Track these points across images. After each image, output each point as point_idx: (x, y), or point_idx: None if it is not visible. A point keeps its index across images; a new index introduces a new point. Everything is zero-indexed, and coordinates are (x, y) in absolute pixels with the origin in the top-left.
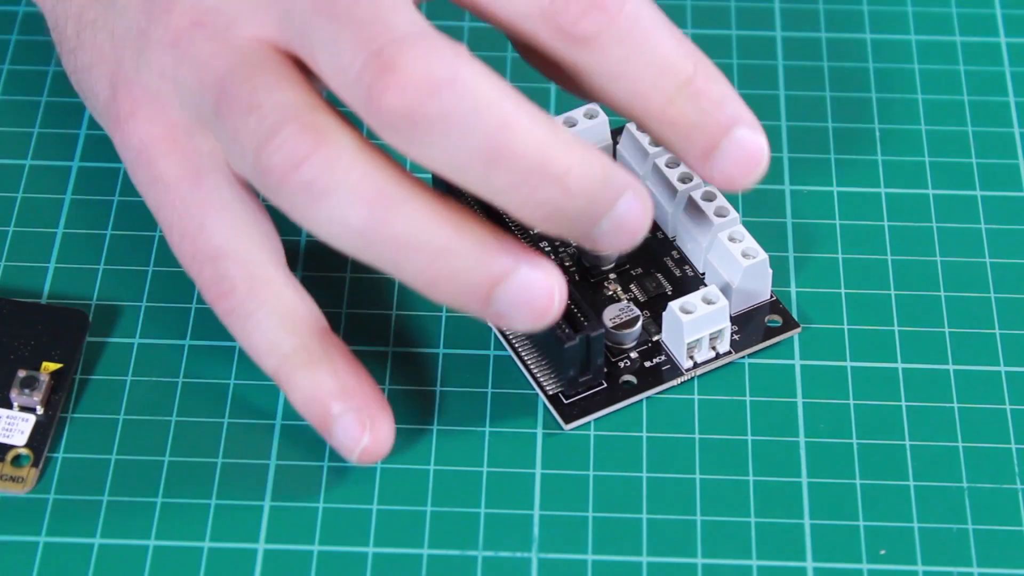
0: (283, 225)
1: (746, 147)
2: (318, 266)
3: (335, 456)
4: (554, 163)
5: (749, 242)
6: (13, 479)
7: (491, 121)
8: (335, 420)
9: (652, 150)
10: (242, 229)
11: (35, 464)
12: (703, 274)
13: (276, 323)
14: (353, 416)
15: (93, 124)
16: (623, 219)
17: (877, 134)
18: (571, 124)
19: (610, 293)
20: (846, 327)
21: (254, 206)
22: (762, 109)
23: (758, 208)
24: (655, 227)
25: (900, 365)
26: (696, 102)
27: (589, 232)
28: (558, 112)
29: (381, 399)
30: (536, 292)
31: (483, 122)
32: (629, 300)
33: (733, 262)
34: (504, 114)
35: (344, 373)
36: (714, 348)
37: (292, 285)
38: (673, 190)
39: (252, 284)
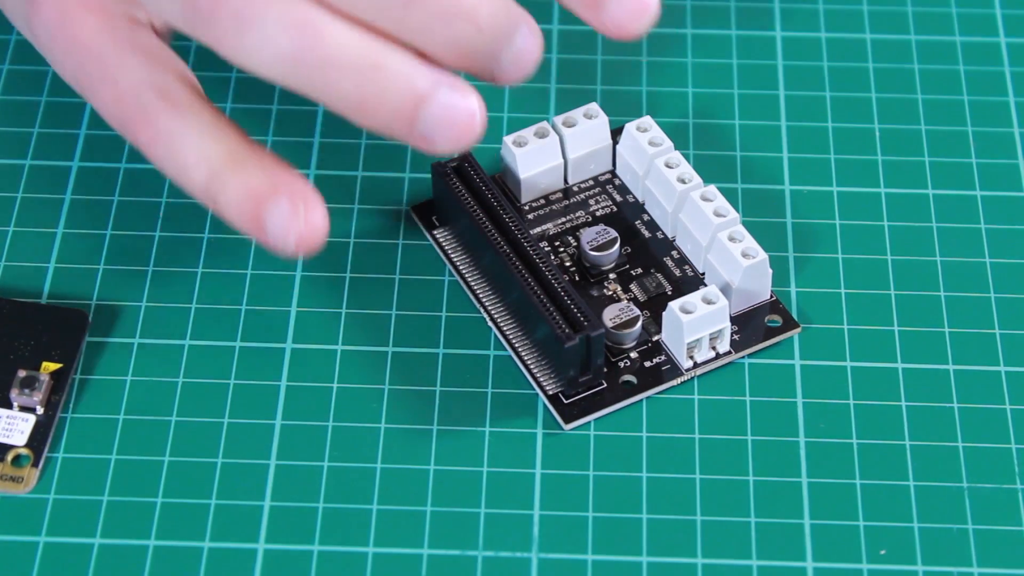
0: None
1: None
2: (318, 266)
3: (335, 456)
4: (464, 0)
5: (749, 242)
6: (13, 479)
7: None
8: (268, 211)
9: (652, 150)
10: (160, 68)
11: (35, 464)
12: (703, 274)
13: (201, 134)
14: (286, 202)
15: (93, 124)
16: (521, 51)
17: (877, 134)
18: (571, 124)
19: (610, 293)
20: (846, 327)
21: (171, 52)
22: (762, 109)
23: (758, 208)
24: (655, 227)
25: (900, 365)
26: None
27: (492, 66)
28: (558, 112)
29: (312, 188)
30: (459, 112)
31: None
32: (629, 300)
33: (733, 262)
34: None
35: (273, 167)
36: (714, 348)
37: (211, 106)
38: (673, 190)
39: (173, 106)
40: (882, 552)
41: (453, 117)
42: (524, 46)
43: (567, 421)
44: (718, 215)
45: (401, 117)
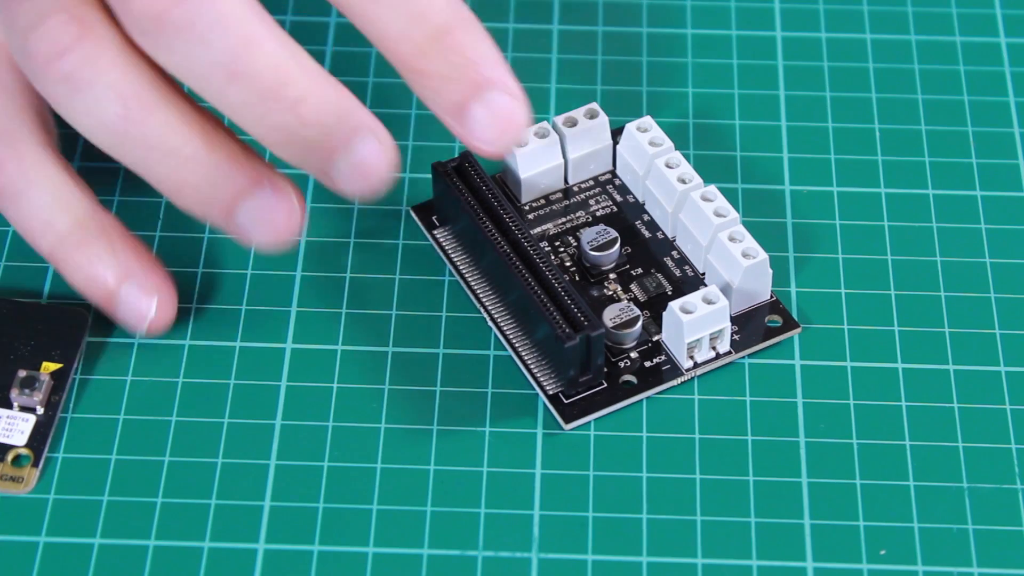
0: None
1: (497, 112)
2: (318, 266)
3: (335, 456)
4: (290, 88)
5: (749, 242)
6: (13, 479)
7: (233, 35)
8: (119, 297)
9: (652, 150)
10: (15, 112)
11: (35, 464)
12: (703, 274)
13: (48, 201)
14: (136, 290)
15: None
16: (361, 162)
17: (877, 134)
18: (571, 124)
19: (610, 293)
20: (846, 327)
21: (31, 91)
22: (762, 109)
23: (758, 208)
24: (655, 227)
25: (900, 365)
26: (448, 56)
27: (326, 169)
28: (558, 112)
29: (161, 270)
30: (277, 211)
31: (226, 35)
32: (629, 300)
33: (733, 262)
34: (248, 31)
35: (122, 249)
36: (714, 348)
37: (64, 167)
38: (673, 190)
39: (22, 164)
40: (882, 552)
41: (270, 216)
42: (365, 157)
43: (567, 421)
44: (718, 215)
45: (219, 210)
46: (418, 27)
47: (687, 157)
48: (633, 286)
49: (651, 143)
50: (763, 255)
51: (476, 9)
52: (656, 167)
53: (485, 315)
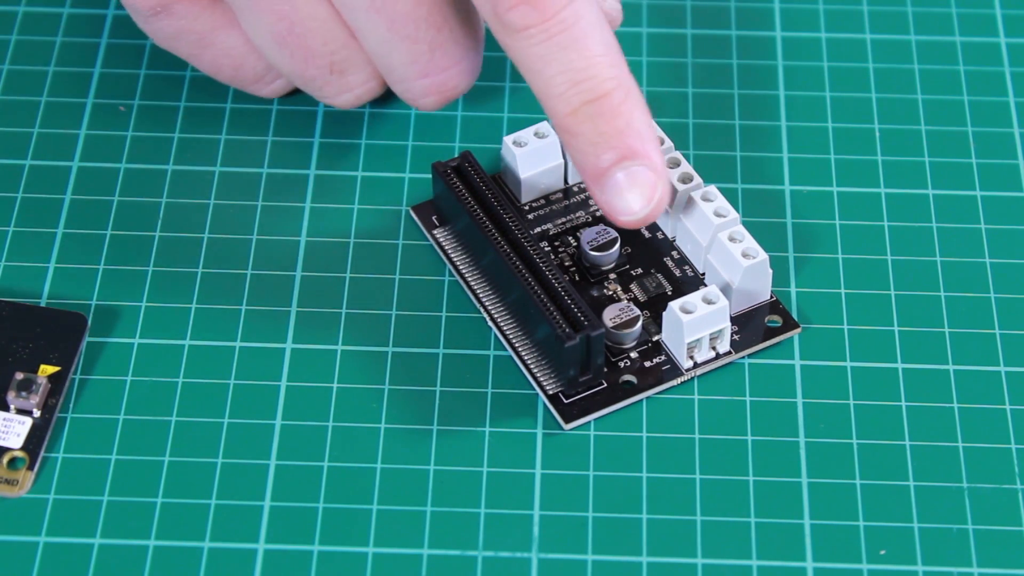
0: (284, 224)
1: (637, 183)
2: (318, 266)
3: (335, 456)
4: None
5: (749, 242)
6: (8, 482)
7: (583, 56)
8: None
9: None
10: None
11: (30, 467)
12: (703, 274)
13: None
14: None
15: (93, 124)
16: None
17: (877, 134)
18: None
19: (610, 293)
20: (846, 327)
21: None
22: (762, 109)
23: (758, 208)
24: (655, 227)
25: (900, 365)
26: (597, 122)
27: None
28: None
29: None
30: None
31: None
32: (629, 300)
33: (733, 262)
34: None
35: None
36: (714, 348)
37: None
38: (673, 190)
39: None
40: (882, 552)
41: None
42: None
43: (567, 421)
44: (718, 215)
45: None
46: (577, 89)
47: (687, 157)
48: (633, 286)
49: None
50: (763, 255)
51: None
52: None
53: (485, 315)
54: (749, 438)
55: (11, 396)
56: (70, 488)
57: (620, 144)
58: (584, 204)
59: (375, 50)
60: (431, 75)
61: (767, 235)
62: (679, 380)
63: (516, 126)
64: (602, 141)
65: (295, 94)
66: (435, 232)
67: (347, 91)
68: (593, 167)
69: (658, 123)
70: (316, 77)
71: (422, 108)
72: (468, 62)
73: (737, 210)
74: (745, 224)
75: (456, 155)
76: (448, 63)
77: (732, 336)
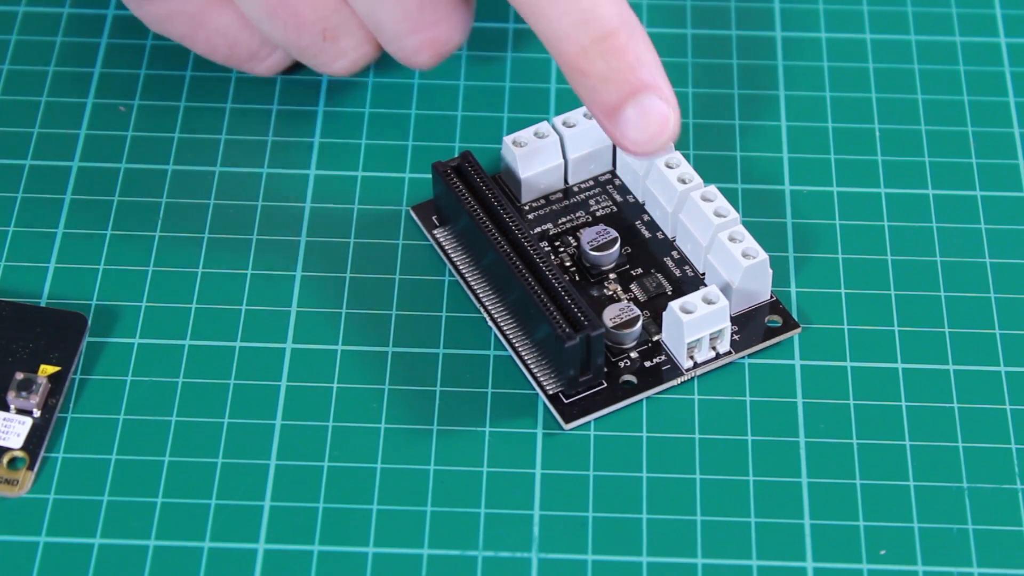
0: (284, 224)
1: (649, 114)
2: (318, 266)
3: (335, 456)
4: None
5: (749, 242)
6: (8, 482)
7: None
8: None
9: None
10: None
11: (30, 467)
12: (703, 274)
13: None
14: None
15: (93, 124)
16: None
17: (877, 134)
18: (571, 124)
19: (610, 293)
20: (846, 327)
21: None
22: (762, 109)
23: (758, 208)
24: (655, 227)
25: (900, 365)
26: (608, 58)
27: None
28: (558, 112)
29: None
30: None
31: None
32: (629, 300)
33: (733, 262)
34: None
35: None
36: (714, 348)
37: None
38: (673, 190)
39: None
40: (882, 552)
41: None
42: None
43: (567, 421)
44: (718, 215)
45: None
46: (584, 29)
47: (687, 157)
48: (633, 286)
49: None
50: (763, 255)
51: (478, 9)
52: (656, 167)
53: (485, 315)
54: (749, 438)
55: (11, 396)
56: (70, 488)
57: (631, 78)
58: (584, 204)
59: (364, 10)
60: (422, 30)
61: (767, 235)
62: (679, 380)
63: (516, 126)
64: (613, 77)
65: (295, 70)
66: (435, 232)
67: (342, 57)
68: (605, 103)
69: None
70: (310, 45)
71: (417, 66)
72: (459, 15)
73: (737, 210)
74: (745, 224)
75: (456, 155)
76: (438, 16)
77: (732, 336)
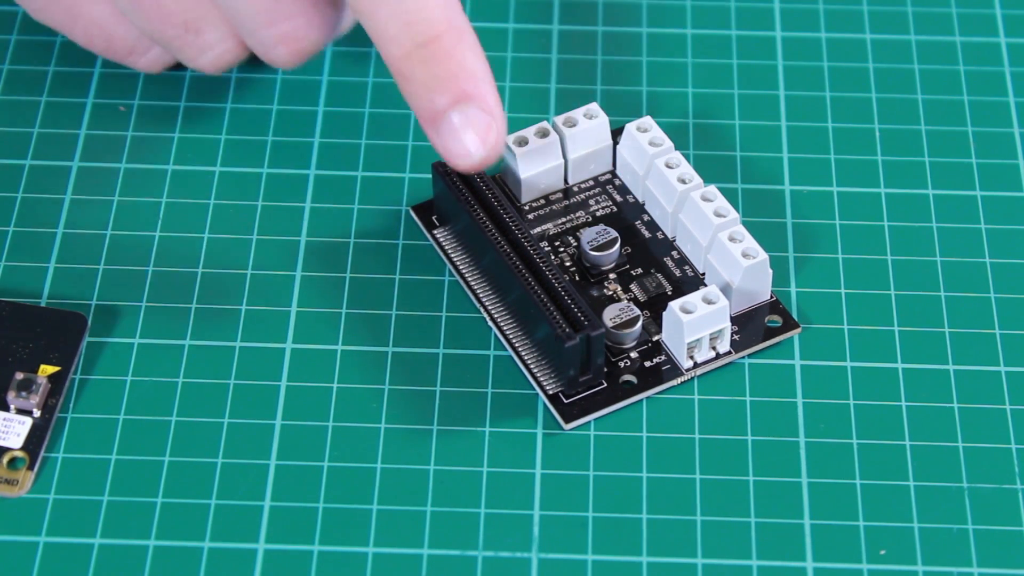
0: (284, 224)
1: (472, 124)
2: (318, 266)
3: (335, 456)
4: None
5: (749, 242)
6: (8, 482)
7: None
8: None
9: (652, 150)
10: None
11: (30, 467)
12: (703, 274)
13: None
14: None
15: (93, 124)
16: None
17: (877, 134)
18: (571, 124)
19: (610, 293)
20: (846, 327)
21: None
22: (762, 109)
23: (758, 208)
24: (655, 227)
25: (900, 365)
26: (431, 64)
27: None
28: (558, 112)
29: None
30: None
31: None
32: (629, 300)
33: (733, 262)
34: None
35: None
36: (714, 348)
37: None
38: (673, 190)
39: None
40: (882, 552)
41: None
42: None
43: (567, 421)
44: (718, 215)
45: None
46: (408, 32)
47: (687, 157)
48: (633, 286)
49: (651, 143)
50: (763, 255)
51: (476, 9)
52: (656, 167)
53: (485, 315)
54: (749, 438)
55: (11, 396)
56: (70, 488)
57: (454, 87)
58: (584, 204)
59: (223, 1)
60: (278, 23)
61: (767, 235)
62: (679, 380)
63: (516, 126)
64: (436, 84)
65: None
66: (435, 232)
67: (207, 50)
68: (427, 110)
69: (658, 123)
70: (175, 38)
71: (278, 63)
72: (317, 12)
73: (737, 210)
74: (745, 224)
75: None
76: (295, 11)
77: (732, 336)
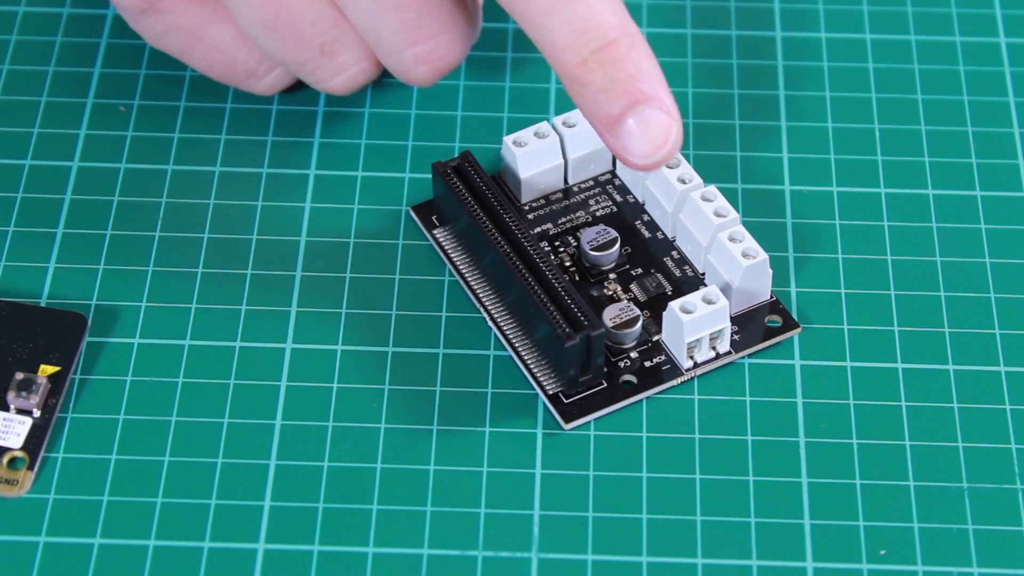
0: (284, 224)
1: (651, 126)
2: (318, 266)
3: (335, 456)
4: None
5: (749, 242)
6: (8, 482)
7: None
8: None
9: None
10: None
11: (30, 467)
12: (703, 274)
13: None
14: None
15: (93, 124)
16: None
17: (877, 134)
18: (571, 124)
19: (610, 293)
20: (846, 327)
21: None
22: (762, 109)
23: (758, 208)
24: (655, 227)
25: (900, 365)
26: (608, 68)
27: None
28: (558, 112)
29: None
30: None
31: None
32: (629, 300)
33: (733, 262)
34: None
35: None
36: (714, 348)
37: None
38: (673, 190)
39: None
40: (882, 552)
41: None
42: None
43: (567, 421)
44: (718, 215)
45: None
46: (583, 39)
47: (687, 157)
48: (633, 286)
49: None
50: (763, 255)
51: None
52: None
53: (485, 315)
54: (749, 438)
55: (11, 396)
56: (70, 488)
57: (632, 89)
58: (584, 204)
59: (363, 23)
60: (420, 43)
61: (767, 235)
62: (679, 380)
63: (516, 126)
64: (613, 88)
65: (295, 89)
66: (435, 232)
67: (340, 72)
68: (606, 115)
69: None
70: (308, 61)
71: (416, 82)
72: (459, 30)
73: (737, 210)
74: (745, 224)
75: (456, 155)
76: (437, 30)
77: (732, 336)
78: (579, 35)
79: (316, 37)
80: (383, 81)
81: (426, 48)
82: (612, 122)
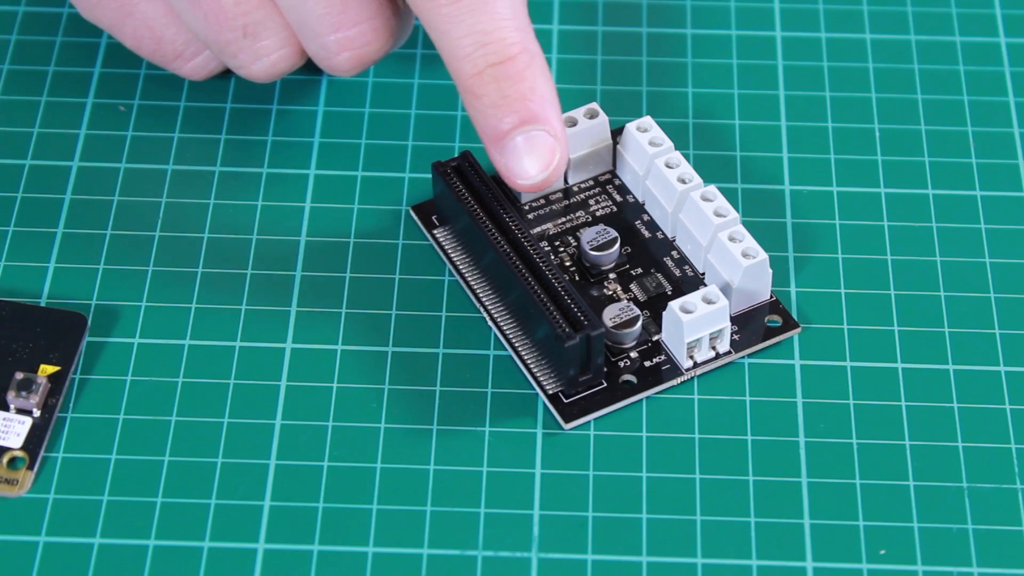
0: (284, 224)
1: (536, 147)
2: (318, 266)
3: (335, 456)
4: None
5: (749, 242)
6: (8, 481)
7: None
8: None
9: (652, 150)
10: None
11: (30, 467)
12: (703, 274)
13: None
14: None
15: (93, 124)
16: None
17: (877, 134)
18: (571, 124)
19: (610, 293)
20: (846, 327)
21: None
22: (762, 109)
23: (758, 208)
24: (655, 227)
25: (900, 365)
26: (502, 84)
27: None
28: None
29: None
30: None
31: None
32: (629, 300)
33: (733, 262)
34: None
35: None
36: (714, 348)
37: None
38: (673, 190)
39: None
40: (882, 552)
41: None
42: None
43: (567, 421)
44: (718, 215)
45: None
46: (482, 51)
47: (687, 157)
48: (633, 286)
49: (651, 143)
50: (763, 255)
51: None
52: (656, 167)
53: (485, 315)
54: (749, 438)
55: (11, 396)
56: (70, 488)
57: (522, 108)
58: (584, 204)
59: (288, 5)
60: (344, 28)
61: (767, 235)
62: (679, 380)
63: None
64: (504, 104)
65: (225, 76)
66: (435, 232)
67: (263, 56)
68: (493, 129)
69: (658, 123)
70: (231, 42)
71: (338, 69)
72: (383, 19)
73: (737, 210)
74: (745, 224)
75: (456, 155)
76: (362, 17)
77: (732, 336)
78: (478, 47)
79: (239, 17)
80: (384, 81)
81: (349, 34)
82: (499, 137)
